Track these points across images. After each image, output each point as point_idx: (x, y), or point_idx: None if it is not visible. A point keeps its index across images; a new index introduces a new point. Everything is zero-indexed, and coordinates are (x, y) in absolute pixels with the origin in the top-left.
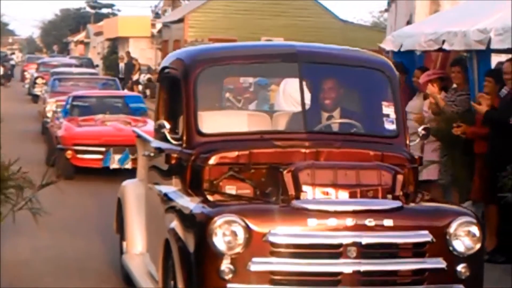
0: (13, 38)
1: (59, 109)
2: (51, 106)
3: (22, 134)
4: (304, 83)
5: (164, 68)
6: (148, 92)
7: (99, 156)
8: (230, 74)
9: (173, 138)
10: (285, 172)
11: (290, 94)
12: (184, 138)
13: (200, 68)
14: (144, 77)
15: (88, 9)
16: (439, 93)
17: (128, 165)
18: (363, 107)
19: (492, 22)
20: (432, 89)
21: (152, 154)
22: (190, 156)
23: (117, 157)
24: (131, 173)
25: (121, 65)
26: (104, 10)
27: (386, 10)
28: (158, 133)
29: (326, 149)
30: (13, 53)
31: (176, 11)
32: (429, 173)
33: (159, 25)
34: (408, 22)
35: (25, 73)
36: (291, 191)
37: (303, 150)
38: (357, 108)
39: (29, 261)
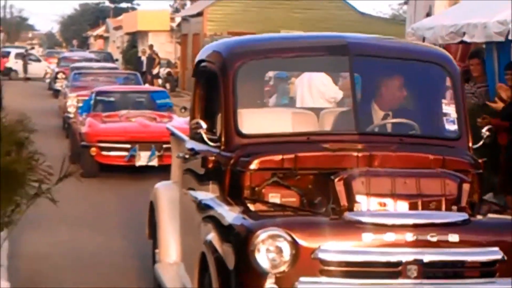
0: (33, 33)
1: (80, 104)
2: (72, 101)
3: (44, 130)
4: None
5: (200, 61)
6: (168, 86)
7: (125, 153)
8: (272, 68)
9: (210, 139)
10: (336, 180)
11: (318, 89)
12: (223, 139)
13: (240, 61)
14: (164, 71)
15: (107, 3)
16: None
17: (155, 162)
18: (420, 106)
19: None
20: None
21: (187, 156)
22: (229, 159)
23: (143, 154)
24: (155, 171)
25: (143, 58)
26: (123, 5)
27: (405, 3)
28: (194, 133)
29: (381, 153)
30: (32, 48)
31: (195, 5)
32: None
33: (178, 19)
34: (428, 14)
35: (47, 68)
36: (343, 202)
37: (355, 154)
38: (414, 106)
39: (48, 255)
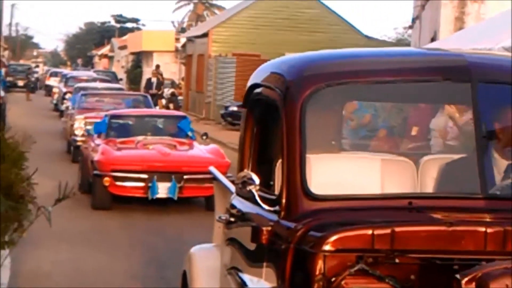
0: (38, 51)
1: (88, 127)
2: (79, 123)
3: (51, 153)
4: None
5: (254, 86)
6: (171, 106)
7: (141, 184)
8: (355, 97)
9: (265, 201)
10: (464, 280)
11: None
12: (283, 201)
13: (311, 88)
14: (167, 91)
15: (112, 23)
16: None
17: (174, 196)
18: None
19: None
20: (449, 109)
21: (231, 219)
22: (293, 233)
23: (161, 185)
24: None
25: (153, 79)
26: (129, 24)
27: (410, 27)
28: (242, 188)
29: None
30: (37, 66)
31: (200, 25)
32: None
33: (183, 40)
34: (433, 39)
35: (54, 88)
36: None
37: (482, 230)
38: None
39: (49, 273)
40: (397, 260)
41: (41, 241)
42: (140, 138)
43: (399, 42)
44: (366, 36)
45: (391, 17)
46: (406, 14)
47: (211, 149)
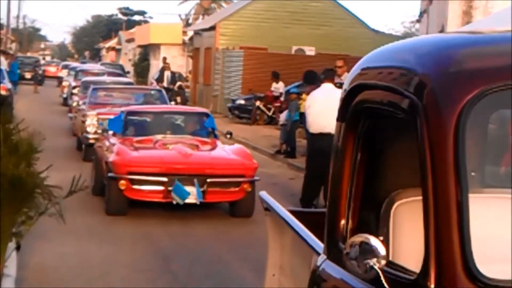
0: (45, 44)
1: (101, 123)
2: (91, 119)
3: (60, 150)
4: None
5: (357, 88)
6: (179, 99)
7: (160, 188)
8: None
9: (395, 280)
10: None
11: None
12: (432, 279)
13: (473, 91)
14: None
15: (120, 16)
16: None
17: (197, 200)
18: None
19: None
20: None
21: None
22: None
23: (188, 189)
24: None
25: (167, 73)
26: (136, 17)
27: (418, 21)
28: (358, 262)
29: None
30: (43, 59)
31: (207, 19)
32: None
33: (190, 33)
34: (441, 33)
35: (64, 82)
36: None
37: None
38: None
39: (55, 266)
40: None
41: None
42: (158, 137)
43: (407, 36)
44: (373, 30)
45: (399, 11)
46: (413, 8)
47: (236, 150)
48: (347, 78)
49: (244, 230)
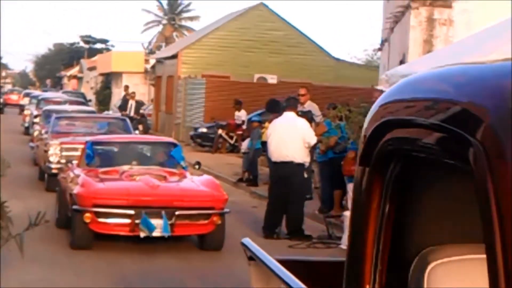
0: (7, 72)
1: (64, 153)
2: (54, 149)
3: (22, 180)
4: None
5: (385, 126)
6: (141, 127)
7: (127, 221)
8: None
9: None
10: None
11: (301, 132)
12: None
13: None
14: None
15: (82, 44)
16: None
17: (164, 234)
18: None
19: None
20: None
21: None
22: None
23: (155, 222)
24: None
25: (131, 102)
26: (98, 45)
27: (380, 49)
28: None
29: None
30: (2, 87)
31: (169, 47)
32: None
33: (152, 61)
34: (401, 62)
35: (25, 110)
36: None
37: None
38: None
39: None
40: None
41: None
42: (125, 167)
43: (369, 64)
44: (336, 58)
45: (361, 39)
46: (375, 36)
47: (205, 181)
48: (368, 115)
49: (215, 263)
